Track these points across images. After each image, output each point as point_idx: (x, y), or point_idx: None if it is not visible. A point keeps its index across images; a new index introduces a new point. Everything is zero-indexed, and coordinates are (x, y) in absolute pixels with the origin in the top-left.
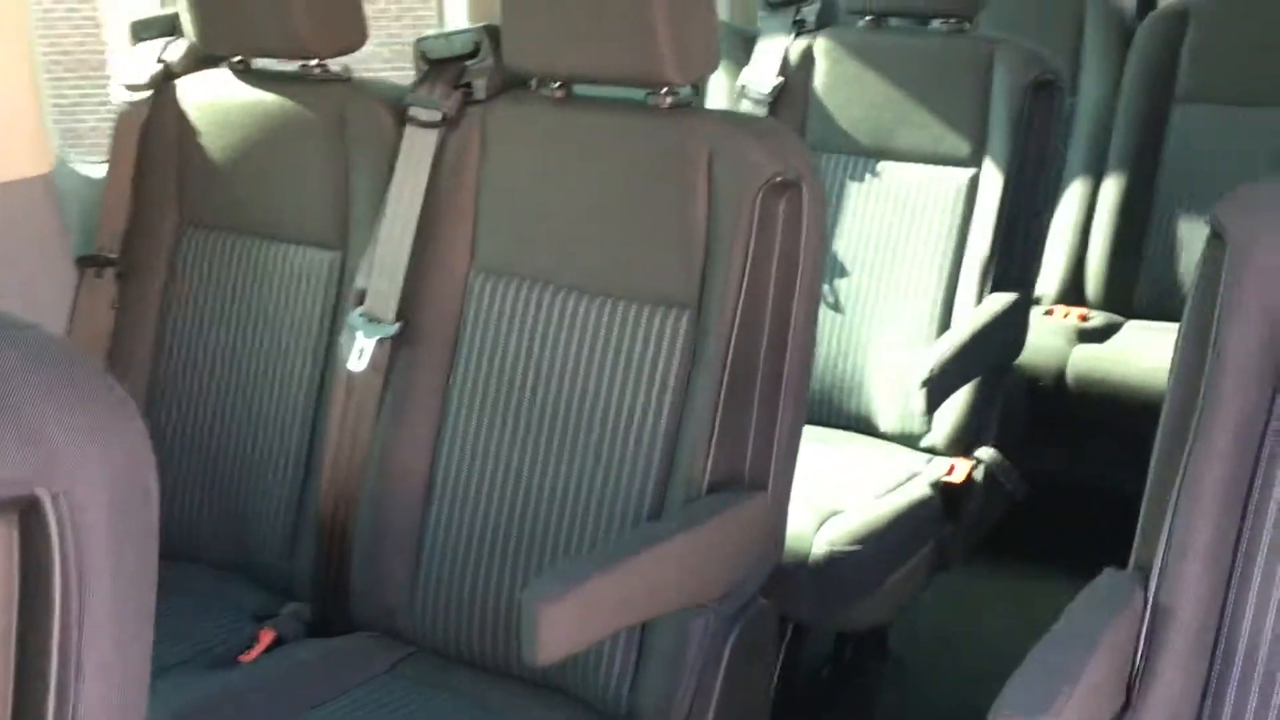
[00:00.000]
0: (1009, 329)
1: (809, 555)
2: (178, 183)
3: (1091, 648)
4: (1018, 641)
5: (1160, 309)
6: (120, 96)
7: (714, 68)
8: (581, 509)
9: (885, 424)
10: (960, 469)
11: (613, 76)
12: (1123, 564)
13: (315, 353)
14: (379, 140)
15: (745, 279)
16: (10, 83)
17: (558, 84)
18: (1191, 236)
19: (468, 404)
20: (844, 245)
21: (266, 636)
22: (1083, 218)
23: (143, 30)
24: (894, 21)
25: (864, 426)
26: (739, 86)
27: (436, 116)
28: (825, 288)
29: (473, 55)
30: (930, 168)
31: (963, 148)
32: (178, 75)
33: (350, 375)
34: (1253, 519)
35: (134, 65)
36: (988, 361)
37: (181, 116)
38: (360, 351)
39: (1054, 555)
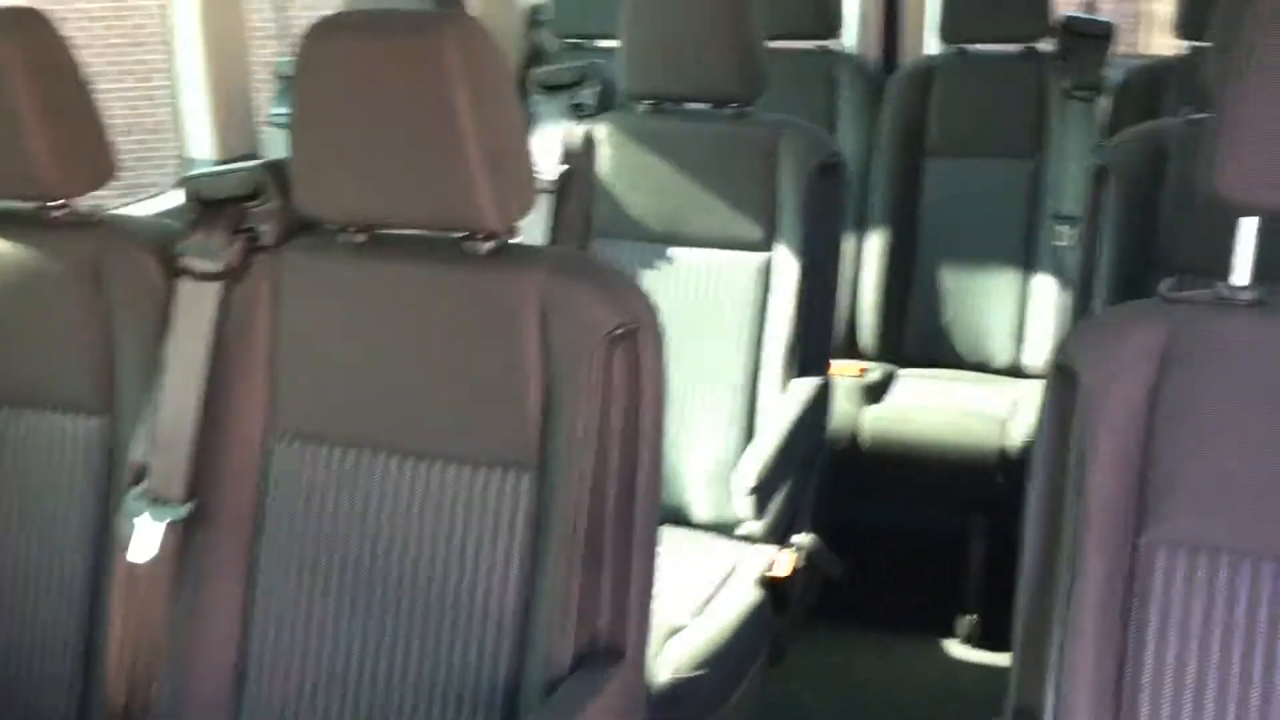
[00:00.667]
0: (818, 412)
1: (651, 683)
2: None
3: None
4: None
5: (928, 356)
6: None
7: (531, 207)
8: (425, 698)
9: (699, 514)
10: (782, 561)
11: (425, 223)
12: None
13: (87, 539)
14: (146, 292)
15: (588, 435)
16: None
17: (356, 228)
18: (953, 285)
19: (280, 588)
20: None
21: None
22: (851, 272)
23: None
24: (675, 105)
25: (677, 517)
26: None
27: (217, 267)
28: None
29: (253, 196)
30: (724, 253)
31: (754, 232)
32: None
33: (133, 566)
34: (1130, 674)
35: None
36: (801, 448)
37: None
38: (144, 538)
39: (868, 619)
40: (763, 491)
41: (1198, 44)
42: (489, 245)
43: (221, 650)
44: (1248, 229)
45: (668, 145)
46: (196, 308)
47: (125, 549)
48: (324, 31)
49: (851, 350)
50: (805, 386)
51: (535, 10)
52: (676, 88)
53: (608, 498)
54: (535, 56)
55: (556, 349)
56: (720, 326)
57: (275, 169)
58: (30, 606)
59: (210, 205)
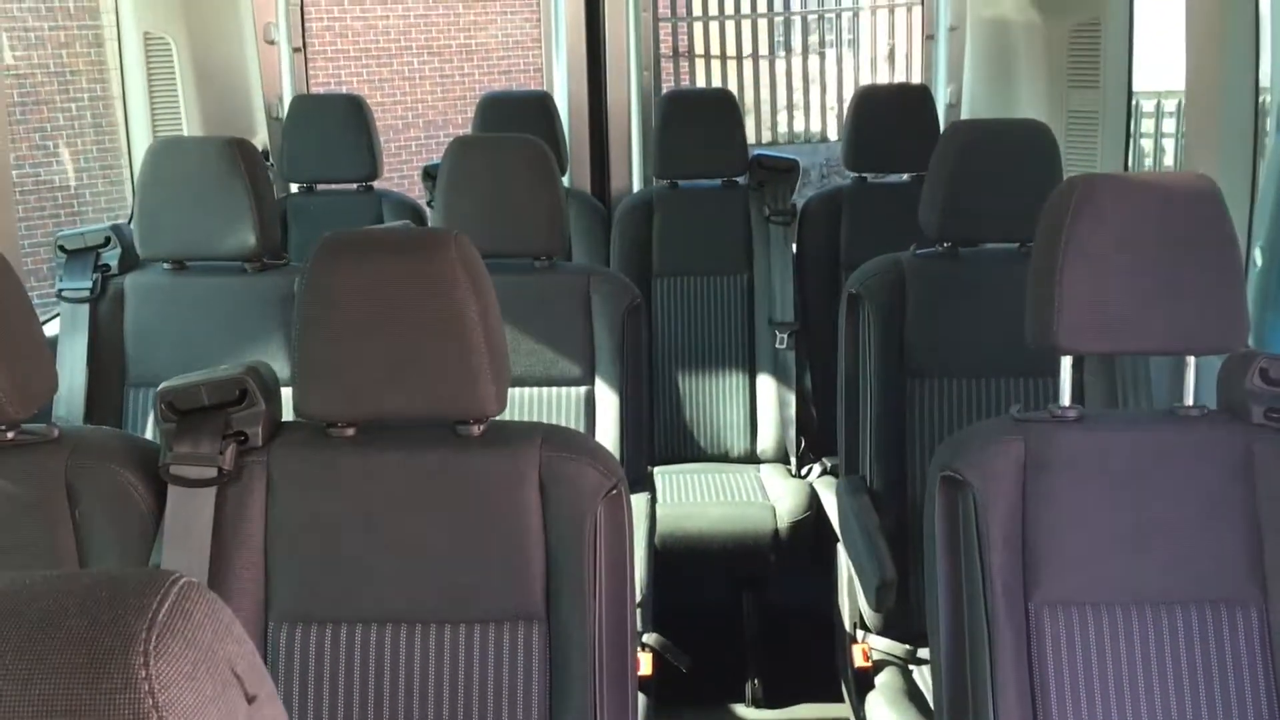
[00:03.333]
0: (651, 521)
1: None
2: None
3: None
4: None
5: (675, 453)
6: None
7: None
8: None
9: None
10: (644, 662)
11: (425, 414)
12: None
13: None
14: (125, 506)
15: (594, 586)
16: None
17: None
18: (690, 387)
19: None
20: None
21: None
22: None
23: None
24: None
25: None
26: None
27: (210, 473)
28: None
29: (237, 403)
30: (548, 390)
31: (574, 369)
32: None
33: None
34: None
35: None
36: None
37: None
38: None
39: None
40: (644, 605)
41: (864, 175)
42: (482, 427)
43: None
44: (1068, 365)
45: (185, 300)
46: (190, 512)
47: None
48: (332, 248)
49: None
50: (642, 502)
51: (263, 155)
52: (499, 244)
53: (605, 635)
54: None
55: (557, 512)
56: None
57: (255, 373)
58: None
59: (189, 414)
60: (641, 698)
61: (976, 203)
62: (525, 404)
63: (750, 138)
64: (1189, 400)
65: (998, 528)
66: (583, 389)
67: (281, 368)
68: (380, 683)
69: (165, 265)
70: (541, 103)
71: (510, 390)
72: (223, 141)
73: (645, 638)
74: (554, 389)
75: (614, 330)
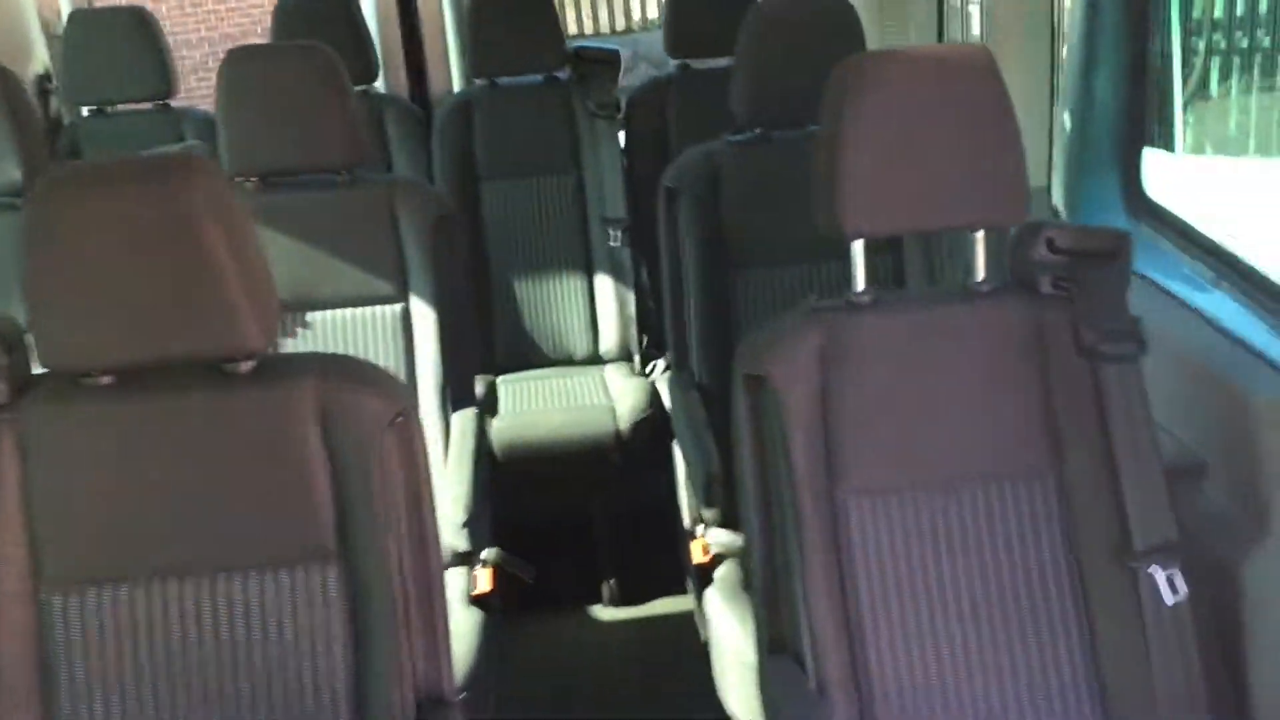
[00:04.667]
0: (482, 436)
1: None
2: None
3: None
4: None
5: (519, 361)
6: None
7: (277, 320)
8: None
9: None
10: (483, 578)
11: (184, 357)
12: None
13: None
14: None
15: (383, 517)
16: None
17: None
18: (528, 293)
19: None
20: None
21: None
22: None
23: None
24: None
25: None
26: None
27: None
28: None
29: None
30: (360, 310)
31: (386, 287)
32: None
33: None
34: (853, 596)
35: None
36: (483, 473)
37: None
38: None
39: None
40: (474, 522)
41: (688, 61)
42: (250, 364)
43: None
44: (859, 249)
45: (287, 218)
46: None
47: None
48: (54, 185)
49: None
50: (467, 418)
51: (43, 79)
52: (285, 162)
53: (406, 566)
54: (54, 128)
55: (341, 445)
56: None
57: None
58: None
59: None
60: (478, 614)
61: (783, 86)
62: (335, 327)
63: (572, 29)
64: (979, 276)
65: (798, 422)
66: (397, 307)
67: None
68: (170, 641)
69: None
70: (343, 5)
71: (319, 314)
72: None
73: (484, 554)
74: (366, 309)
75: (423, 243)
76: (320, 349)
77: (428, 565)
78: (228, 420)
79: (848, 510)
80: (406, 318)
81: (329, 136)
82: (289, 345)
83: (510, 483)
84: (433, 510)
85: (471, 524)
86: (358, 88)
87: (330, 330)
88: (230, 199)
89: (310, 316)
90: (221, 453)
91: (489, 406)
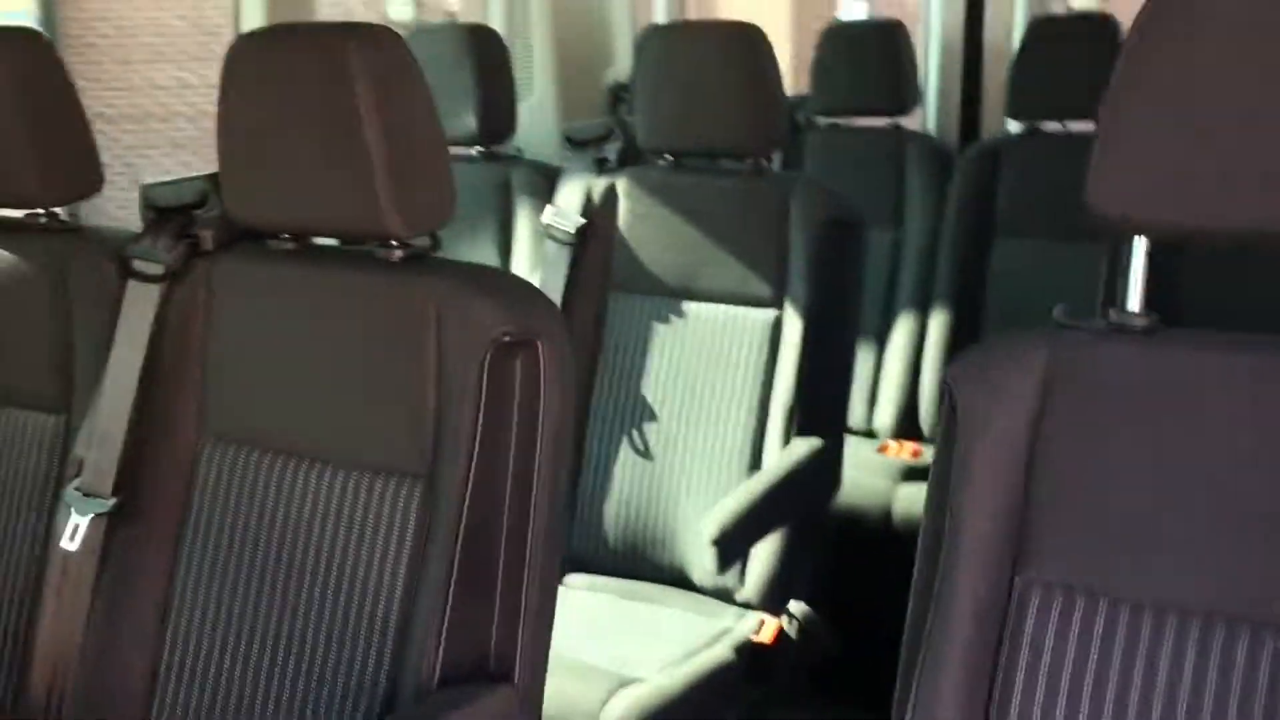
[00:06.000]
0: (815, 475)
1: None
2: None
3: None
4: None
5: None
6: None
7: (448, 218)
8: (313, 701)
9: (698, 576)
10: (769, 627)
11: (337, 231)
12: None
13: (34, 532)
14: (102, 294)
15: (477, 446)
16: None
17: (287, 236)
18: None
19: (195, 588)
20: (651, 389)
21: None
22: (913, 351)
23: None
24: (694, 161)
25: (676, 579)
26: (543, 225)
27: (159, 270)
28: (634, 433)
29: (200, 205)
30: (733, 309)
31: (764, 289)
32: None
33: (65, 555)
34: (996, 713)
35: None
36: (792, 511)
37: None
38: (74, 529)
39: (862, 700)
40: (728, 546)
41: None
42: (399, 254)
43: (137, 652)
44: (1139, 249)
45: (683, 200)
46: (139, 308)
47: (58, 539)
48: (245, 44)
49: (913, 431)
50: (801, 447)
51: (619, 87)
52: (693, 143)
53: (500, 516)
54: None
55: (448, 355)
56: (727, 383)
57: (218, 179)
58: None
59: (163, 212)
60: (734, 660)
61: None
62: (703, 322)
63: None
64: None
65: (985, 468)
66: (769, 313)
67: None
68: (274, 514)
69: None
70: (888, 31)
71: (692, 304)
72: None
73: (791, 605)
74: (738, 309)
75: (809, 245)
76: (687, 343)
77: (527, 525)
78: (366, 309)
79: (1026, 603)
80: (777, 325)
81: (745, 121)
82: (659, 332)
83: (900, 562)
84: (557, 472)
85: (728, 549)
86: (888, 120)
87: (700, 325)
88: (402, 77)
89: (685, 306)
90: (357, 341)
91: (917, 476)
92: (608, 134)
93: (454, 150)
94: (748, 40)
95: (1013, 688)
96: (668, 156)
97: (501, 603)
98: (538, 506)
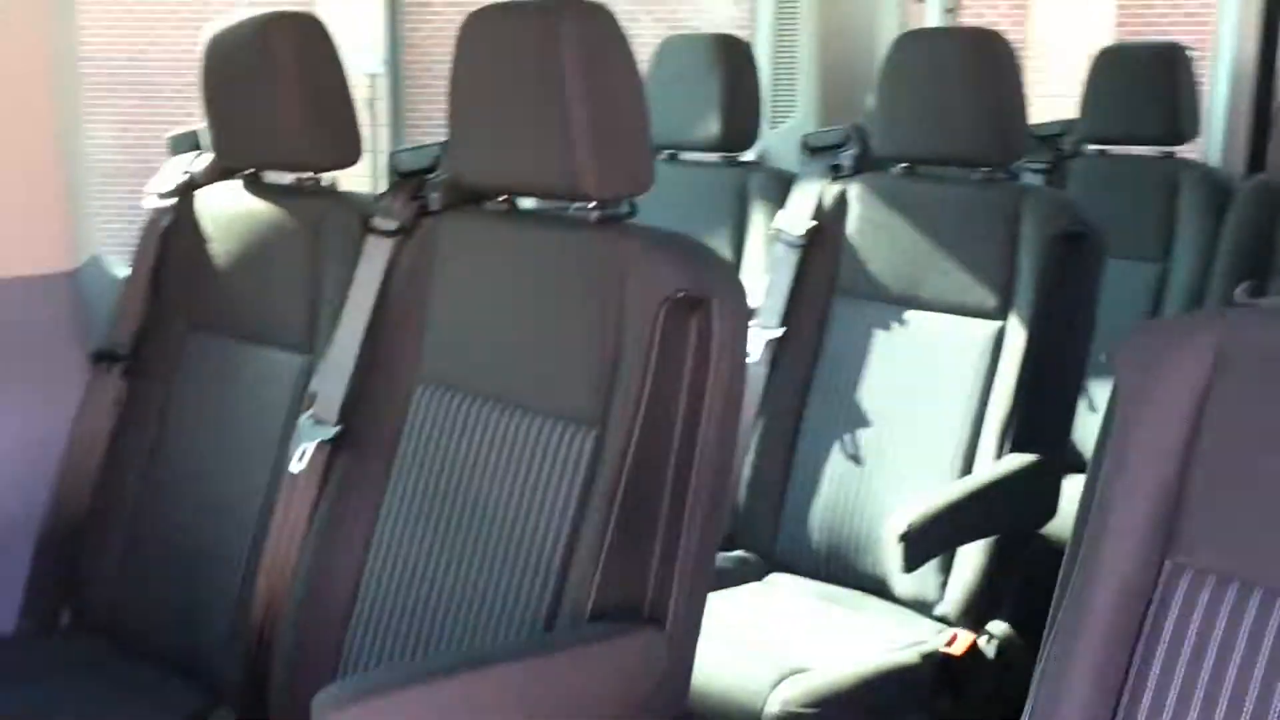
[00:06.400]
0: (1026, 492)
1: (760, 715)
2: (188, 287)
3: None
4: None
5: None
6: (149, 204)
7: (645, 187)
8: (484, 623)
9: (899, 587)
10: (962, 640)
11: (540, 189)
12: None
13: (276, 455)
14: (347, 248)
15: (645, 397)
16: (39, 183)
17: (503, 198)
18: None
19: (397, 511)
20: (865, 395)
21: None
22: None
23: (177, 144)
24: (929, 169)
25: (876, 588)
26: (774, 229)
27: (393, 226)
28: (846, 437)
29: (433, 169)
30: (956, 319)
31: (989, 299)
32: (199, 185)
33: (292, 477)
34: (1127, 703)
35: (166, 175)
36: (997, 525)
37: (197, 224)
38: (302, 453)
39: None
40: (916, 544)
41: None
42: (595, 215)
43: (346, 565)
44: None
45: (914, 207)
46: (375, 260)
47: (289, 464)
48: (474, 20)
49: None
50: (1014, 460)
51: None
52: (928, 149)
53: (665, 467)
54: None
55: (628, 310)
56: (944, 394)
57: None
58: (226, 504)
59: (403, 176)
60: (918, 665)
61: None
62: (926, 331)
63: None
64: None
65: (1141, 446)
66: (994, 325)
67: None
68: (465, 452)
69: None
70: (1167, 57)
71: (916, 313)
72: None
73: (990, 624)
74: (961, 319)
75: (1039, 256)
76: (906, 351)
77: (688, 478)
78: (562, 266)
79: (1173, 588)
80: (1000, 338)
81: (982, 128)
82: (880, 340)
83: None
84: (727, 431)
85: (915, 548)
86: (1163, 149)
87: (921, 333)
88: (609, 47)
89: (907, 314)
90: (549, 295)
91: None
92: (845, 141)
93: (694, 156)
94: (991, 47)
95: (1148, 676)
96: (902, 164)
97: (660, 551)
98: (702, 464)
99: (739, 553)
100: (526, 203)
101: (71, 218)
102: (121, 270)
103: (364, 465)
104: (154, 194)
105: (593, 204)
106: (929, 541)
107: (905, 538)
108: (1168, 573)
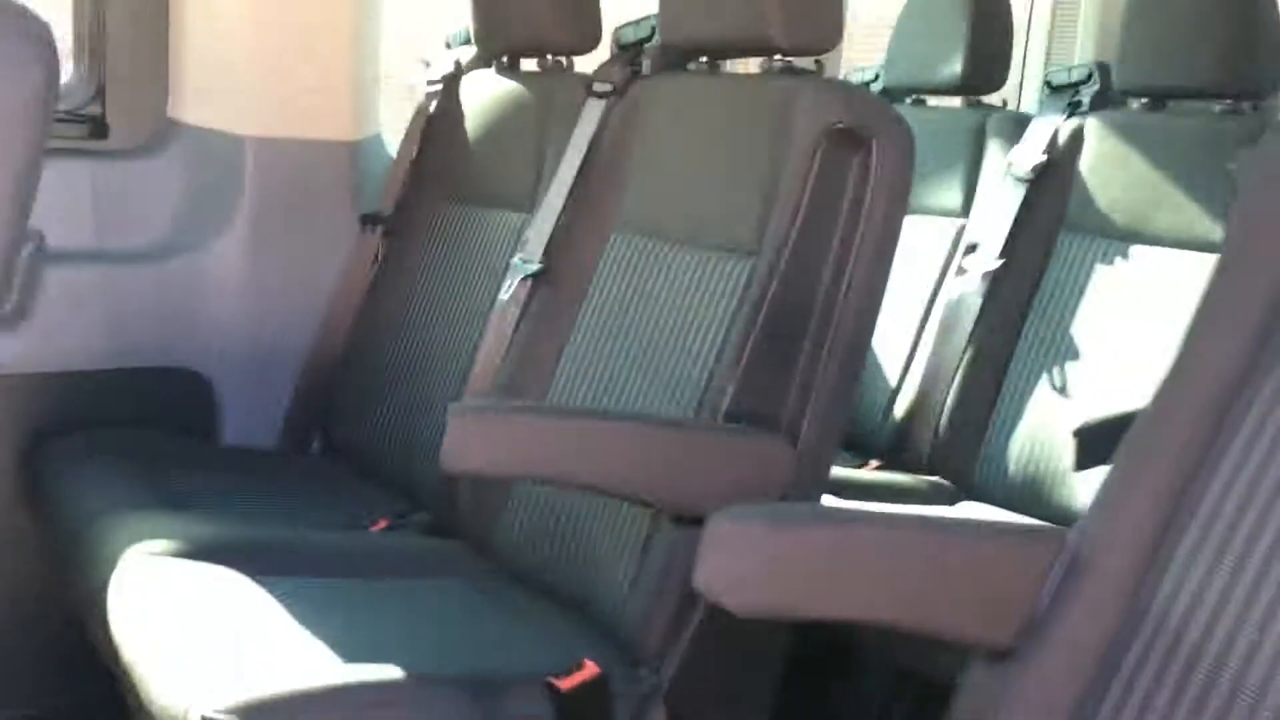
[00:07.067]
0: None
1: None
2: (444, 162)
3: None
4: None
5: None
6: (422, 90)
7: (832, 42)
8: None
9: None
10: None
11: (734, 47)
12: None
13: (490, 301)
14: (570, 115)
15: (798, 227)
16: (337, 63)
17: (704, 59)
18: None
19: (582, 339)
20: (1082, 330)
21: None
22: None
23: (451, 40)
24: (1168, 103)
25: (1067, 523)
26: (1006, 164)
27: (608, 88)
28: (1055, 370)
29: (650, 39)
30: (1187, 254)
31: (1216, 232)
32: (464, 73)
33: (500, 305)
34: (1199, 486)
35: (439, 65)
36: None
37: (457, 107)
38: (509, 286)
39: None
40: (1091, 444)
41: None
42: (779, 66)
43: (536, 383)
44: None
45: (1149, 142)
46: (589, 121)
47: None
48: None
49: None
50: None
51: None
52: (1171, 81)
53: (813, 294)
54: None
55: (790, 141)
56: (1165, 334)
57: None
58: (442, 354)
59: (622, 47)
60: None
61: None
62: (1153, 266)
63: None
64: None
65: (1249, 262)
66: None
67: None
68: (640, 286)
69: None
70: None
71: (1140, 247)
72: None
73: None
74: (1192, 254)
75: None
76: (1127, 286)
77: (832, 312)
78: (741, 110)
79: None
80: None
81: (1232, 59)
82: (1101, 273)
83: None
84: (878, 261)
85: (1089, 446)
86: None
87: (1144, 268)
88: None
89: (1132, 249)
90: (734, 143)
91: None
92: (1088, 78)
93: (936, 101)
94: None
95: (1213, 478)
96: (1143, 99)
97: (800, 378)
98: (846, 302)
99: (935, 478)
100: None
101: (360, 97)
102: (393, 147)
103: (558, 299)
104: (426, 82)
105: (781, 60)
106: (1105, 444)
107: (1080, 434)
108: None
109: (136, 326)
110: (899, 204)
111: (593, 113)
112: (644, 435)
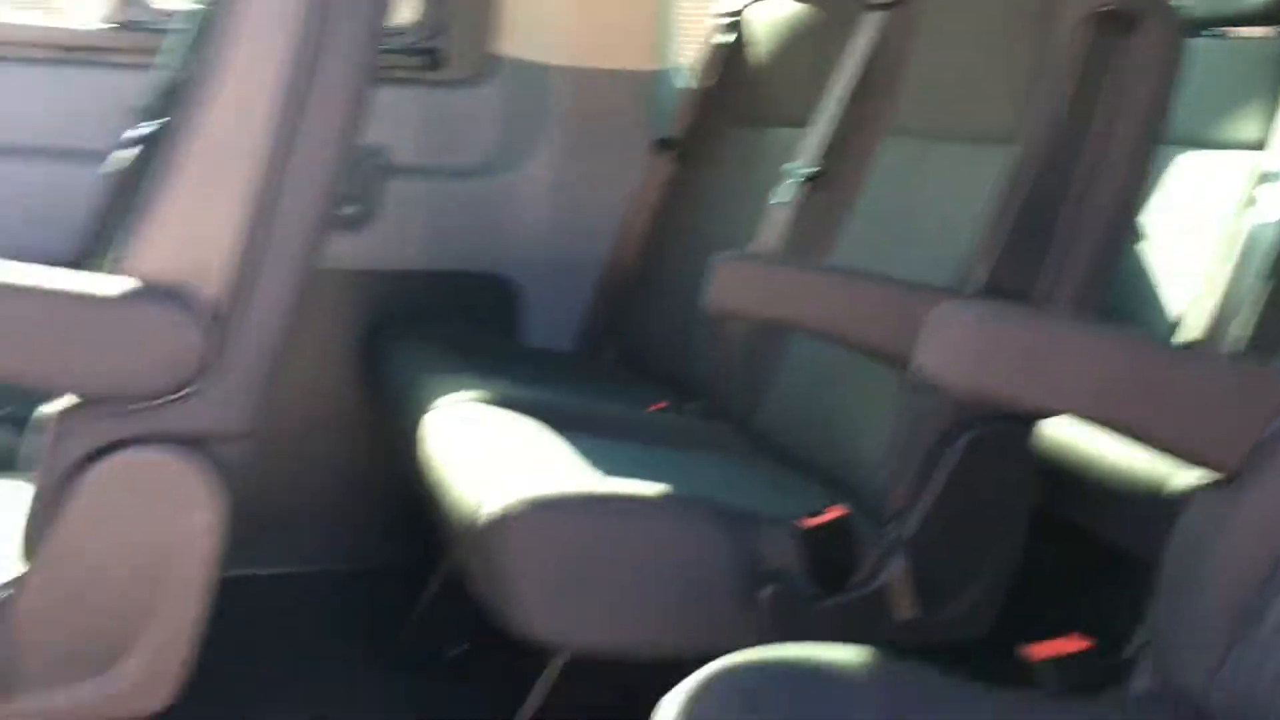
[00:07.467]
0: None
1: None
2: (734, 89)
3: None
4: None
5: None
6: (714, 24)
7: None
8: None
9: None
10: None
11: None
12: None
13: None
14: (847, 29)
15: (1064, 106)
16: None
17: None
18: None
19: (853, 236)
20: None
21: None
22: None
23: None
24: None
25: None
26: None
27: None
28: None
29: None
30: None
31: None
32: (751, 2)
33: (776, 208)
34: None
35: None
36: None
37: (746, 35)
38: (786, 189)
39: None
40: None
41: None
42: None
43: None
44: None
45: None
46: (865, 33)
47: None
48: None
49: None
50: None
51: None
52: None
53: (1067, 180)
54: None
55: (1058, 26)
56: None
57: None
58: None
59: None
60: None
61: None
62: None
63: None
64: None
65: None
66: None
67: None
68: (899, 179)
69: None
70: None
71: None
72: None
73: None
74: None
75: None
76: None
77: (1091, 189)
78: (1022, 12)
79: None
80: None
81: None
82: None
83: None
84: (1140, 143)
85: None
86: None
87: None
88: None
89: None
90: (994, 35)
91: None
92: None
93: (1237, 32)
94: None
95: None
96: None
97: (1050, 259)
98: (1109, 180)
99: None
100: None
101: (661, 30)
102: (688, 78)
103: (832, 201)
104: (719, 14)
105: None
106: None
107: None
108: None
109: (457, 235)
110: (1166, 87)
111: (870, 25)
112: (891, 295)
